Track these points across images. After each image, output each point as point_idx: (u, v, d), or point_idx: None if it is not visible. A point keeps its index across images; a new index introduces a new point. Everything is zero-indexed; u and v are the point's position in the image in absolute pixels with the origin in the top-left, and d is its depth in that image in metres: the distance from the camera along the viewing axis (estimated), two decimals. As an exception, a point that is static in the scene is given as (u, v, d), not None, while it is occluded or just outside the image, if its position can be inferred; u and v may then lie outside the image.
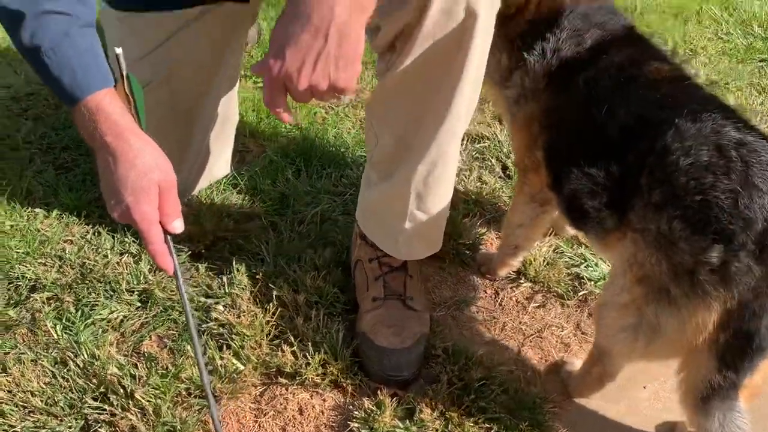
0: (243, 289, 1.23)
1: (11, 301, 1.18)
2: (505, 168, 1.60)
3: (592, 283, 1.34)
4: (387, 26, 0.92)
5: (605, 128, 0.99)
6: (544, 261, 1.37)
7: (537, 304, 1.33)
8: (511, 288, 1.34)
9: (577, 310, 1.32)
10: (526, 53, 1.10)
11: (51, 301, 1.19)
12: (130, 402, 1.04)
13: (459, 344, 1.21)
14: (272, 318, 1.19)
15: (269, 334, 1.17)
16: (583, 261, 1.38)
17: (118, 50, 0.87)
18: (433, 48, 0.90)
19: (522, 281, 1.35)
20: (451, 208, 1.45)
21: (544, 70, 1.09)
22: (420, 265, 1.27)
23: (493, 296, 1.33)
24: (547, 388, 1.18)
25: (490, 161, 1.61)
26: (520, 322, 1.29)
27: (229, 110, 1.35)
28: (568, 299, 1.33)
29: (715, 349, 0.82)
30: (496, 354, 1.21)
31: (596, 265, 1.37)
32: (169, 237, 0.89)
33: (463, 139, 1.65)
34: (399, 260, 1.19)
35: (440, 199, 1.10)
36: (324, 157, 1.55)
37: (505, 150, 1.63)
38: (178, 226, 0.88)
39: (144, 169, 0.84)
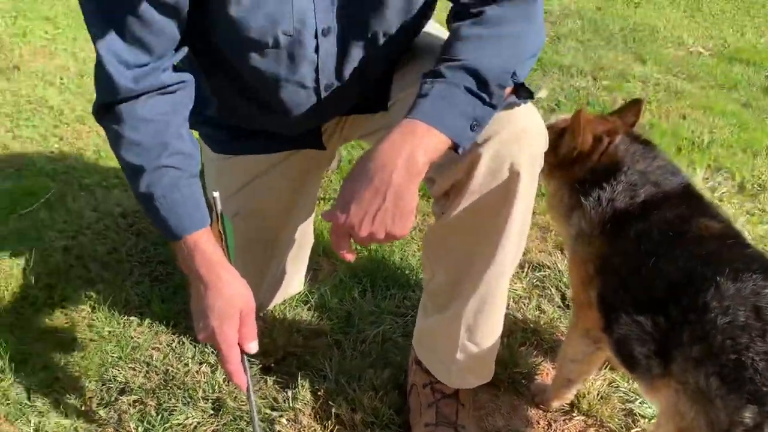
0: (305, 404, 1.32)
1: (102, 402, 1.32)
2: (564, 298, 1.66)
3: (646, 420, 1.35)
4: (440, 180, 1.05)
5: (654, 280, 1.05)
6: (597, 394, 1.39)
7: (590, 438, 1.35)
8: (564, 420, 1.37)
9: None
10: (584, 198, 1.20)
11: (136, 404, 1.32)
12: (196, 507, 1.13)
13: (507, 474, 1.24)
14: (330, 434, 1.27)
15: (326, 450, 1.25)
16: (637, 397, 1.39)
17: (215, 194, 1.04)
18: (480, 202, 1.02)
19: (575, 414, 1.37)
20: (508, 335, 1.52)
21: (600, 217, 1.17)
22: (473, 393, 1.33)
23: (546, 428, 1.36)
24: None
25: (550, 290, 1.67)
26: (572, 455, 1.31)
27: (306, 235, 1.51)
28: (623, 435, 1.34)
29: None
30: (545, 487, 1.24)
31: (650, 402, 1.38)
32: (244, 356, 1.02)
33: (523, 267, 1.73)
34: (452, 388, 1.26)
35: (490, 333, 1.18)
36: (389, 278, 1.66)
37: (564, 279, 1.70)
38: (253, 347, 1.02)
39: (229, 298, 0.99)
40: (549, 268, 1.74)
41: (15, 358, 1.37)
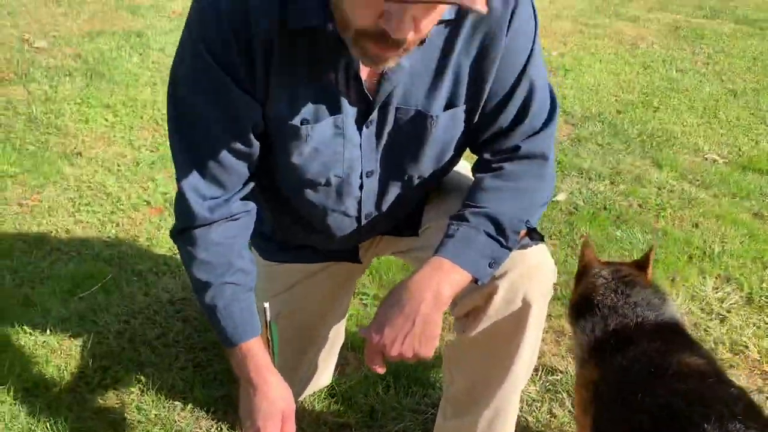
0: (331, 494, 1.45)
1: (147, 482, 1.46)
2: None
3: None
4: (462, 304, 1.20)
5: (639, 411, 1.13)
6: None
7: None
8: None
9: None
10: (576, 322, 1.34)
11: (177, 486, 1.45)
12: None
13: None
14: None
15: None
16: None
17: (266, 304, 1.21)
18: (496, 326, 1.17)
19: None
20: (521, 437, 1.64)
21: (588, 344, 1.31)
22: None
23: None
24: None
25: (562, 395, 1.78)
26: None
27: (339, 334, 1.66)
28: None
29: None
30: None
31: None
32: None
33: (537, 370, 1.85)
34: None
35: (502, 441, 1.30)
36: (411, 377, 1.79)
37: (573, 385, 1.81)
38: None
39: (273, 401, 1.15)
40: (562, 372, 1.85)
41: (71, 436, 1.52)
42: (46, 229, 2.25)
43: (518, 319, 1.16)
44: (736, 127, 3.65)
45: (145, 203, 2.43)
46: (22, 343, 1.77)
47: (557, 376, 1.84)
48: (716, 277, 2.33)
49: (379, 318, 1.09)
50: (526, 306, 1.15)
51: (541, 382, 1.82)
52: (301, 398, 1.68)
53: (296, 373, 1.60)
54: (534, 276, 1.15)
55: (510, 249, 1.10)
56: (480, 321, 1.18)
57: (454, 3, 0.82)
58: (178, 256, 2.12)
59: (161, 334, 1.85)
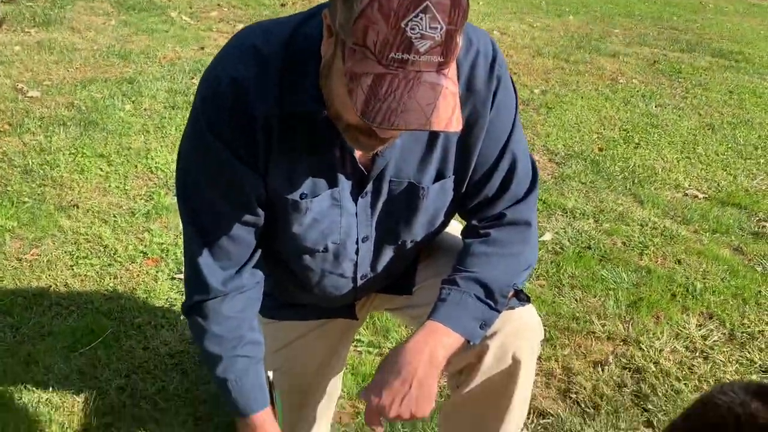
0: None
1: None
2: (566, 444, 1.82)
3: None
4: (455, 362, 1.26)
5: None
6: None
7: None
8: None
9: None
10: None
11: None
12: None
13: None
14: None
15: None
16: None
17: (270, 373, 1.26)
18: (488, 382, 1.23)
19: None
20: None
21: None
22: None
23: None
24: None
25: (552, 437, 1.84)
26: None
27: (336, 386, 1.71)
28: None
29: None
30: None
31: None
32: None
33: (529, 414, 1.91)
34: None
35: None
36: (406, 425, 1.84)
37: (566, 427, 1.86)
38: None
39: None
40: (552, 416, 1.91)
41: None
42: (46, 283, 2.29)
43: (509, 375, 1.22)
44: (715, 161, 3.77)
45: (142, 254, 2.48)
46: (25, 401, 1.80)
47: (548, 419, 1.90)
48: (699, 314, 2.41)
49: (377, 381, 1.14)
50: (515, 363, 1.21)
51: (533, 425, 1.88)
52: (300, 449, 1.72)
53: (296, 426, 1.64)
54: (522, 334, 1.21)
55: (498, 311, 1.17)
56: (473, 378, 1.24)
57: (428, 130, 0.89)
58: (176, 308, 2.18)
59: (161, 388, 1.89)
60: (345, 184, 1.17)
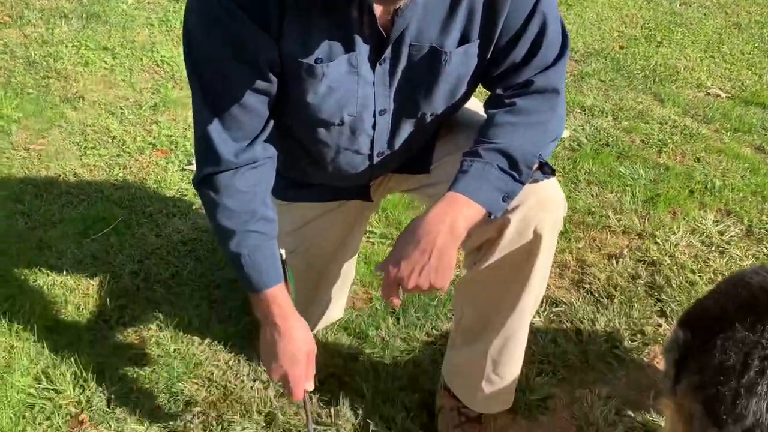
0: (346, 420, 1.51)
1: (170, 412, 1.52)
2: (578, 332, 1.83)
3: (647, 448, 1.52)
4: (475, 237, 1.24)
5: None
6: (605, 423, 1.56)
7: (596, 464, 1.52)
8: (573, 445, 1.54)
9: None
10: None
11: (200, 415, 1.51)
12: (253, 506, 1.32)
13: (522, 490, 1.42)
14: (368, 448, 1.46)
15: (365, 462, 1.44)
16: (642, 425, 1.56)
17: (282, 251, 1.24)
18: (508, 257, 1.21)
19: (584, 440, 1.55)
20: (525, 366, 1.70)
21: None
22: (495, 418, 1.51)
23: (557, 450, 1.54)
24: None
25: (565, 324, 1.84)
26: (579, 477, 1.48)
27: (350, 270, 1.70)
28: (625, 460, 1.51)
29: None
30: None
31: None
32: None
33: (542, 303, 1.91)
34: (476, 412, 1.44)
35: (512, 366, 1.36)
36: (420, 309, 1.85)
37: (579, 315, 1.87)
38: (310, 385, 1.25)
39: (299, 344, 1.21)
40: (565, 304, 1.91)
41: (95, 370, 1.58)
42: (55, 172, 2.26)
43: (529, 250, 1.19)
44: (740, 61, 3.62)
45: (151, 146, 2.44)
46: (40, 284, 1.81)
47: (561, 307, 1.90)
48: (717, 211, 2.36)
49: (395, 252, 1.12)
50: (537, 238, 1.18)
51: (546, 313, 1.88)
52: (314, 332, 1.73)
53: (309, 308, 1.65)
54: (545, 208, 1.18)
55: (523, 183, 1.13)
56: (492, 253, 1.22)
57: None
58: (187, 198, 2.16)
59: (175, 273, 1.89)
60: (362, 49, 1.10)
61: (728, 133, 2.90)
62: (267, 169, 1.21)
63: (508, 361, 1.34)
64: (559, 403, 1.64)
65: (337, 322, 1.78)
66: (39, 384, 1.54)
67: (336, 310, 1.76)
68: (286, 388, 1.24)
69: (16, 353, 1.60)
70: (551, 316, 1.88)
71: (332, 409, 1.54)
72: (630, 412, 1.60)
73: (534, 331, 1.81)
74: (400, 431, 1.49)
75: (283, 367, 1.21)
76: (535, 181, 1.17)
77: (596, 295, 1.96)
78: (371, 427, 1.49)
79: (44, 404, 1.50)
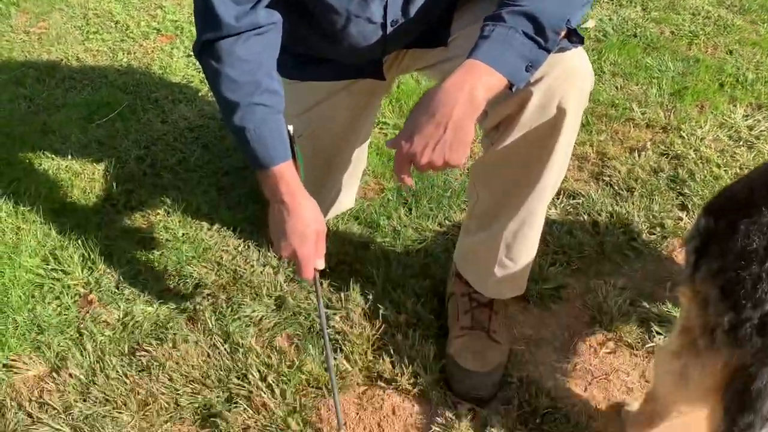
0: (356, 305, 1.50)
1: (179, 294, 1.51)
2: (594, 224, 1.78)
3: (661, 336, 1.50)
4: (493, 114, 1.16)
5: None
6: (619, 312, 1.54)
7: (608, 350, 1.50)
8: (585, 333, 1.53)
9: (644, 360, 1.48)
10: None
11: (209, 297, 1.51)
12: (263, 384, 1.33)
13: (533, 375, 1.41)
14: (378, 332, 1.45)
15: (374, 345, 1.43)
16: (656, 315, 1.54)
17: (290, 127, 1.18)
18: (528, 135, 1.13)
19: (596, 327, 1.53)
20: (540, 255, 1.67)
21: None
22: (505, 305, 1.49)
23: (569, 338, 1.52)
24: (608, 423, 1.36)
25: (582, 217, 1.79)
26: (590, 364, 1.47)
27: (361, 156, 1.64)
28: (637, 349, 1.49)
29: (723, 401, 0.98)
30: (565, 389, 1.41)
31: (669, 322, 1.53)
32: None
33: (559, 194, 1.85)
34: (487, 298, 1.42)
35: (526, 252, 1.32)
36: (433, 200, 1.80)
37: (596, 208, 1.81)
38: (320, 264, 1.20)
39: (308, 222, 1.16)
40: (583, 196, 1.85)
41: (103, 252, 1.57)
42: (56, 57, 2.18)
43: (552, 126, 1.12)
44: (782, -52, 3.37)
45: (155, 31, 2.33)
46: (45, 168, 1.77)
47: (578, 199, 1.84)
48: (747, 105, 2.25)
49: (408, 125, 1.05)
50: (560, 113, 1.11)
51: (563, 205, 1.83)
52: (325, 220, 1.69)
53: (319, 194, 1.59)
54: (571, 80, 1.09)
55: (548, 51, 1.04)
56: (512, 131, 1.14)
57: None
58: (194, 85, 2.08)
59: (182, 159, 1.85)
60: None
61: (765, 25, 2.72)
62: (272, 37, 1.13)
63: (523, 246, 1.30)
64: (572, 292, 1.62)
65: (348, 212, 1.75)
66: (47, 265, 1.53)
67: (347, 199, 1.71)
68: (296, 267, 1.21)
69: (23, 235, 1.58)
70: (568, 208, 1.82)
71: (342, 294, 1.52)
72: (645, 303, 1.57)
73: (549, 223, 1.76)
74: (410, 316, 1.47)
75: (292, 245, 1.17)
76: (562, 50, 1.08)
77: (616, 188, 1.90)
78: (381, 311, 1.48)
79: (53, 284, 1.50)
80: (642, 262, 1.70)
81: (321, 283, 1.29)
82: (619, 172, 1.94)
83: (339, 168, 1.59)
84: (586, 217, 1.79)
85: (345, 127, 1.49)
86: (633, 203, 1.83)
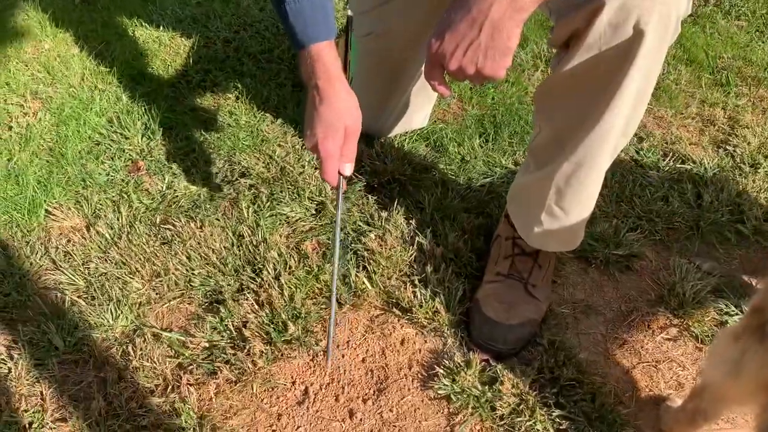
0: (396, 227, 1.39)
1: (225, 179, 1.49)
2: (699, 197, 1.52)
3: (736, 336, 1.27)
4: (559, 28, 0.97)
5: None
6: (693, 298, 1.32)
7: (668, 336, 1.30)
8: (647, 311, 1.32)
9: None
10: None
11: (252, 188, 1.47)
12: (275, 282, 1.28)
13: (566, 343, 1.25)
14: (409, 258, 1.34)
15: (400, 271, 1.33)
16: (739, 313, 1.30)
17: (350, 12, 1.06)
18: (597, 57, 0.94)
19: (661, 308, 1.32)
20: (621, 217, 1.46)
21: None
22: (556, 261, 1.32)
23: (625, 313, 1.33)
24: (638, 414, 1.18)
25: (686, 185, 1.54)
26: (641, 347, 1.27)
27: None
28: (704, 343, 1.28)
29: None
30: (600, 365, 1.23)
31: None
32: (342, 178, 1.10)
33: (666, 155, 1.60)
34: (532, 247, 1.26)
35: (578, 203, 1.13)
36: (514, 134, 1.62)
37: (706, 178, 1.55)
38: (347, 168, 1.07)
39: (338, 113, 1.03)
40: (694, 162, 1.59)
41: (164, 123, 1.57)
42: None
43: (625, 51, 0.92)
44: None
45: None
46: (136, 35, 1.80)
47: (687, 165, 1.59)
48: None
49: (441, 21, 0.90)
50: (637, 36, 0.90)
51: (668, 168, 1.58)
52: (390, 135, 1.59)
53: (385, 104, 1.49)
54: (657, -6, 0.88)
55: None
56: (578, 50, 0.95)
57: None
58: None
59: (267, 50, 1.80)
60: None
61: None
62: None
63: (575, 195, 1.11)
64: (645, 265, 1.41)
65: (417, 131, 1.62)
66: (111, 126, 1.56)
67: (418, 118, 1.59)
68: (319, 165, 1.11)
69: (97, 94, 1.62)
70: (672, 172, 1.57)
71: (385, 213, 1.42)
72: (729, 296, 1.33)
73: (643, 185, 1.53)
74: (448, 250, 1.35)
75: (316, 136, 1.06)
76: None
77: (738, 161, 1.61)
78: (418, 238, 1.36)
79: (110, 145, 1.53)
80: (743, 249, 1.44)
81: (346, 193, 1.14)
82: (749, 143, 1.65)
83: (409, 77, 1.45)
84: (690, 186, 1.54)
85: (416, 28, 1.34)
86: (754, 182, 1.55)
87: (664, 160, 1.60)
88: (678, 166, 1.59)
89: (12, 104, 1.61)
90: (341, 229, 1.21)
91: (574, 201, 1.12)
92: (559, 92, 1.05)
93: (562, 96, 1.05)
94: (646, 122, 1.70)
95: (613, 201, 1.49)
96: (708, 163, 1.59)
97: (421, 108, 1.56)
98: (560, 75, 1.01)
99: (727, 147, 1.65)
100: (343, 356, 1.23)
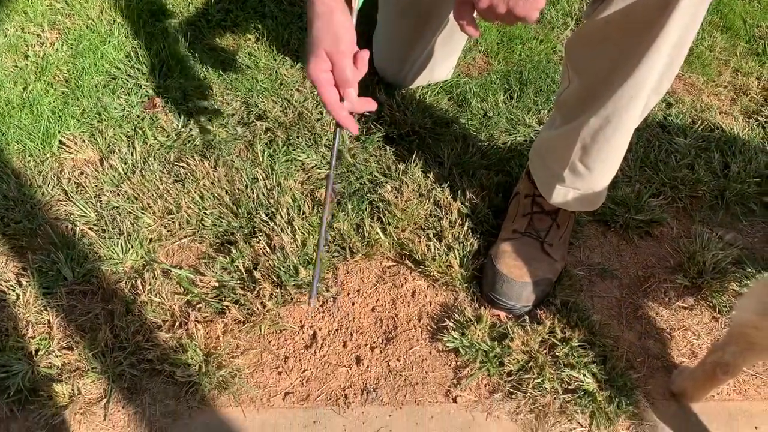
0: (413, 179, 1.36)
1: (241, 121, 1.46)
2: (725, 166, 1.48)
3: (754, 309, 1.24)
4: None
5: None
6: (714, 268, 1.29)
7: (684, 305, 1.27)
8: (664, 279, 1.30)
9: (726, 327, 1.24)
10: None
11: (268, 132, 1.44)
12: (289, 228, 1.26)
13: (579, 304, 1.22)
14: (425, 212, 1.31)
15: (416, 223, 1.30)
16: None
17: None
18: (632, 7, 0.89)
19: (678, 276, 1.29)
20: (644, 182, 1.42)
21: None
22: (574, 221, 1.29)
23: (643, 279, 1.30)
24: (648, 379, 1.16)
25: (713, 154, 1.49)
26: (656, 313, 1.25)
27: (464, 22, 1.44)
28: (721, 313, 1.25)
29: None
30: (613, 329, 1.21)
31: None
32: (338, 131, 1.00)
33: (695, 121, 1.56)
34: (551, 205, 1.23)
35: (603, 161, 1.09)
36: (541, 92, 1.58)
37: (735, 147, 1.50)
38: (350, 93, 0.95)
39: (320, 37, 0.92)
40: (723, 131, 1.54)
41: (183, 62, 1.53)
42: None
43: (662, 4, 0.87)
44: None
45: None
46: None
47: (716, 133, 1.54)
48: None
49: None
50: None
51: (695, 136, 1.53)
52: (412, 86, 1.55)
53: (408, 54, 1.44)
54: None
55: None
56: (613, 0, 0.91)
57: None
58: None
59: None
60: None
61: None
62: None
63: (601, 152, 1.08)
64: (666, 232, 1.37)
65: (441, 83, 1.58)
66: (128, 61, 1.53)
67: (441, 69, 1.54)
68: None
69: (115, 28, 1.58)
70: (700, 140, 1.53)
71: (402, 165, 1.39)
72: (750, 269, 1.30)
73: (669, 151, 1.49)
74: (465, 205, 1.32)
75: (308, 61, 0.92)
76: None
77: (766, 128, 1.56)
78: (435, 193, 1.34)
79: (127, 80, 1.50)
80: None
81: (340, 133, 0.99)
82: (782, 116, 1.59)
83: (434, 26, 1.40)
84: (717, 155, 1.49)
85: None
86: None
87: (692, 128, 1.55)
88: (706, 134, 1.54)
89: (29, 33, 1.58)
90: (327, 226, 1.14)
91: (599, 159, 1.09)
92: (593, 42, 1.01)
93: (595, 45, 1.00)
94: (676, 88, 1.65)
95: (637, 165, 1.45)
96: (738, 132, 1.54)
97: (445, 59, 1.51)
98: (595, 23, 0.97)
99: (759, 118, 1.60)
100: (353, 304, 1.21)
